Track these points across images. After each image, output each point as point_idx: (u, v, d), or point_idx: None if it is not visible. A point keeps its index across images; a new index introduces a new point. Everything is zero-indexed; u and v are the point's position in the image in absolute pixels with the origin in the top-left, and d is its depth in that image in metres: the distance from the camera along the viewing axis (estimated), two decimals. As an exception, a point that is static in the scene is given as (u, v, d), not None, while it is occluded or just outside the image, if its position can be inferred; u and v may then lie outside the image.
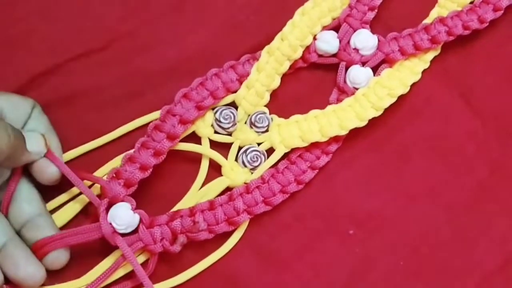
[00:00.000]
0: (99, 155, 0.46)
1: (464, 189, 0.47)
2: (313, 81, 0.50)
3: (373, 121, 0.47)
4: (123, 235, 0.42)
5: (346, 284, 0.44)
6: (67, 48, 0.48)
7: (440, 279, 0.44)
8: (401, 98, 0.48)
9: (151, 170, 0.44)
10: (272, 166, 0.46)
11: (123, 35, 0.49)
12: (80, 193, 0.44)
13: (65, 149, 0.45)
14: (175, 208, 0.44)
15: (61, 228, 0.43)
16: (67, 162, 0.44)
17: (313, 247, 0.45)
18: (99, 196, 0.43)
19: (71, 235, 0.41)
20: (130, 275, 0.42)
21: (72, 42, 0.48)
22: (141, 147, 0.44)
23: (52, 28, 0.49)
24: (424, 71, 0.50)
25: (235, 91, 0.47)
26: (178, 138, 0.45)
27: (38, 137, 0.42)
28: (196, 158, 0.46)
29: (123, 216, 0.42)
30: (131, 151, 0.44)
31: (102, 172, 0.45)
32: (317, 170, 0.46)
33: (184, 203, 0.45)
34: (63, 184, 0.43)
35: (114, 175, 0.43)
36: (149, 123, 0.45)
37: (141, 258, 0.43)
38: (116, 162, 0.45)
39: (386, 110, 0.47)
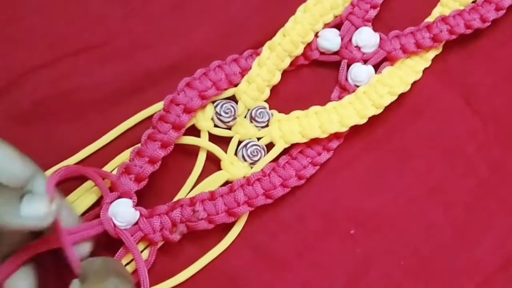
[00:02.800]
0: (104, 152, 0.45)
1: (464, 189, 0.46)
2: (314, 78, 0.49)
3: (373, 120, 0.46)
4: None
5: (346, 284, 0.43)
6: (67, 44, 0.47)
7: (440, 279, 0.44)
8: (401, 97, 0.47)
9: (160, 162, 0.43)
10: (272, 161, 0.45)
11: (124, 32, 0.48)
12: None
13: (64, 145, 0.44)
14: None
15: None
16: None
17: (313, 246, 0.44)
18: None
19: (73, 233, 0.40)
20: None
21: (72, 38, 0.47)
22: (148, 140, 0.43)
23: (52, 24, 0.47)
24: (425, 71, 0.49)
25: (237, 84, 0.47)
26: (183, 127, 0.44)
27: (41, 200, 0.36)
28: (195, 152, 0.45)
29: (124, 214, 0.41)
30: (139, 145, 0.43)
31: (109, 168, 0.44)
32: (318, 166, 0.46)
33: (181, 196, 0.44)
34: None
35: (124, 170, 0.42)
36: (151, 116, 0.44)
37: (144, 255, 0.42)
38: (122, 157, 0.44)
39: (387, 109, 0.46)
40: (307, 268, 0.43)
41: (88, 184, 0.43)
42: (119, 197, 0.42)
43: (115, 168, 0.43)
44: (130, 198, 0.42)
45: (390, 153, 0.47)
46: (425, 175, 0.46)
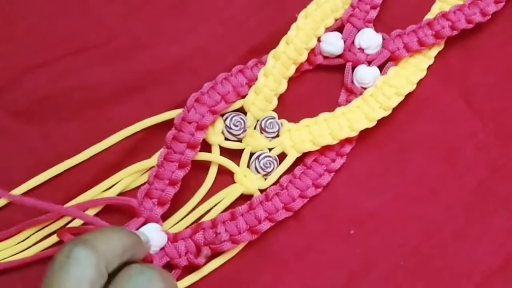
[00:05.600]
0: (101, 156, 0.43)
1: (464, 189, 0.44)
2: (319, 82, 0.47)
3: (373, 121, 0.44)
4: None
5: (346, 284, 0.42)
6: (67, 44, 0.45)
7: (440, 279, 0.42)
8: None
9: (180, 183, 0.41)
10: (286, 172, 0.44)
11: (124, 32, 0.46)
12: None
13: (63, 144, 0.43)
14: (178, 213, 0.42)
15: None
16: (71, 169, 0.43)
17: (313, 247, 0.42)
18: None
19: None
20: None
21: (72, 38, 0.45)
22: (164, 161, 0.41)
23: (52, 24, 0.46)
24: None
25: (244, 96, 0.45)
26: (198, 146, 0.42)
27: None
28: (206, 166, 0.44)
29: (156, 238, 0.40)
30: (145, 161, 0.42)
31: (108, 184, 0.42)
32: (334, 173, 0.44)
33: (187, 209, 0.42)
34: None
35: (145, 194, 0.41)
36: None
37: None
38: (120, 175, 0.42)
39: (388, 109, 0.44)
40: (307, 268, 0.42)
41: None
42: (145, 222, 0.40)
43: (115, 183, 0.42)
44: (157, 222, 0.41)
45: (390, 153, 0.45)
46: (425, 175, 0.44)
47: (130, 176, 0.43)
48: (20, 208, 0.40)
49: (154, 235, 0.40)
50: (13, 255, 0.40)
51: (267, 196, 0.42)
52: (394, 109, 0.45)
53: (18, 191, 0.41)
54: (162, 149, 0.42)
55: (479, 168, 0.45)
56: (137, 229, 0.40)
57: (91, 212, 0.41)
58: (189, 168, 0.42)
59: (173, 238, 0.41)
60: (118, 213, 0.42)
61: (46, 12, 0.47)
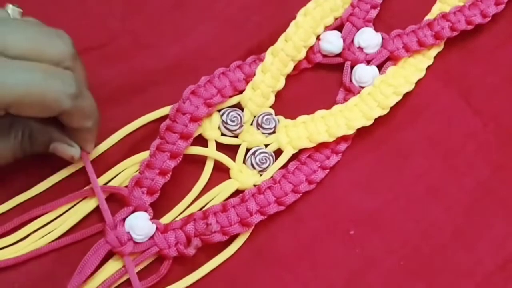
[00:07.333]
0: (102, 156, 0.43)
1: (464, 189, 0.43)
2: (317, 81, 0.46)
3: (373, 120, 0.44)
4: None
5: (346, 284, 0.40)
6: None
7: (440, 279, 0.41)
8: (402, 97, 0.45)
9: (170, 174, 0.41)
10: (281, 168, 0.43)
11: (124, 32, 0.46)
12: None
13: None
14: (175, 209, 0.42)
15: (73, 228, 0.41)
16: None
17: (313, 247, 0.41)
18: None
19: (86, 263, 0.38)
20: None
21: (73, 39, 0.42)
22: (156, 151, 0.41)
23: (52, 25, 0.42)
24: (425, 70, 0.46)
25: (242, 91, 0.44)
26: (191, 137, 0.41)
27: None
28: (202, 161, 0.43)
29: (142, 226, 0.39)
30: (141, 153, 0.42)
31: (108, 176, 0.42)
32: (328, 170, 0.43)
33: (185, 205, 0.42)
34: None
35: (135, 183, 0.40)
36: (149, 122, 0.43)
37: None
38: (120, 167, 0.42)
39: (387, 108, 0.43)
40: (307, 268, 0.41)
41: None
42: (133, 211, 0.40)
43: (114, 177, 0.41)
44: (146, 211, 0.40)
45: (390, 153, 0.44)
46: (425, 175, 0.43)
47: (128, 169, 0.42)
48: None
49: (141, 223, 0.39)
50: (11, 254, 0.40)
51: (260, 189, 0.41)
52: (394, 109, 0.45)
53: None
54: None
55: (479, 168, 0.44)
56: (125, 218, 0.40)
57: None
58: (180, 159, 0.41)
59: (164, 229, 0.40)
60: (119, 204, 0.41)
61: (46, 12, 0.46)
